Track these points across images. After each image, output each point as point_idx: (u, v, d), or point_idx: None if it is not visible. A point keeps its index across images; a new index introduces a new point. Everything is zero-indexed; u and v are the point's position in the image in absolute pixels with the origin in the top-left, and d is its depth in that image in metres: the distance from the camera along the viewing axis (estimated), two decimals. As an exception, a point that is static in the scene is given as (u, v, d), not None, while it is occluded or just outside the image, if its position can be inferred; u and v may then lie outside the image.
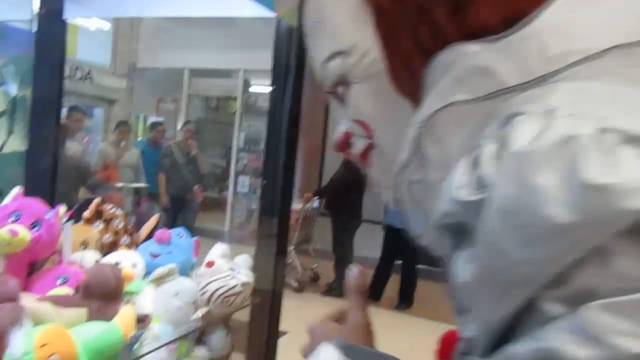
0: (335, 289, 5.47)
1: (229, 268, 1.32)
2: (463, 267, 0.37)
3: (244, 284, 1.27)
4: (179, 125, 8.14)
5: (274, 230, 1.50)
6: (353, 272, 0.61)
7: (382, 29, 0.50)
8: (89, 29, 6.95)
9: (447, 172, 0.40)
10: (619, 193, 0.30)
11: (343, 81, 0.53)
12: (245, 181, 7.71)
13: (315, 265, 6.02)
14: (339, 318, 0.62)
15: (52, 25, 1.83)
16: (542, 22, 0.40)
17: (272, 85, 1.54)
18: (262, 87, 8.24)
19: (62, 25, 1.88)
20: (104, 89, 7.85)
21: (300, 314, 1.73)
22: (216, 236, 6.47)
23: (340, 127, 0.57)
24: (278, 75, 1.59)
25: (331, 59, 0.52)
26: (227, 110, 8.71)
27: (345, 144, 0.57)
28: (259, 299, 1.37)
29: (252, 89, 8.33)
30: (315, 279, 5.94)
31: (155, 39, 8.16)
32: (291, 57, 1.53)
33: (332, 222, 5.65)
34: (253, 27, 6.38)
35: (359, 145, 0.55)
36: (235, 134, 7.98)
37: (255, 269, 1.43)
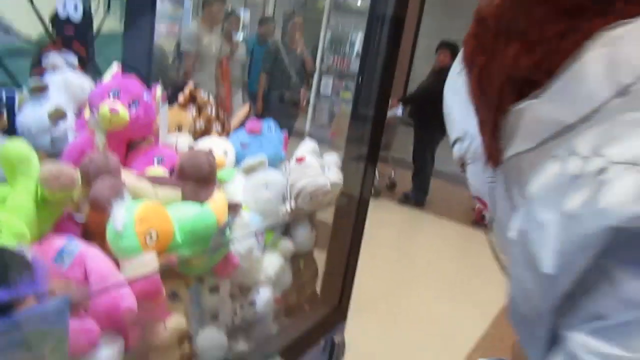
0: (411, 199, 5.43)
1: (319, 165, 1.28)
2: None
3: (333, 184, 1.24)
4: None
5: (366, 135, 1.43)
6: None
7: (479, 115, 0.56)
8: None
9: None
10: None
11: (463, 162, 0.63)
12: (328, 82, 7.56)
13: (393, 172, 5.97)
14: None
15: None
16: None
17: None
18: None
19: None
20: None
21: (374, 219, 1.69)
22: (296, 136, 6.52)
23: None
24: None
25: (455, 144, 0.63)
26: (315, 6, 8.38)
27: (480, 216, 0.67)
28: (345, 201, 1.33)
29: (342, -15, 7.89)
30: (392, 186, 5.91)
31: None
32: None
33: (415, 132, 5.48)
34: None
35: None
36: (322, 32, 7.72)
37: (344, 170, 1.38)
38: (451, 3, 6.50)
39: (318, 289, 1.56)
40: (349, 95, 7.31)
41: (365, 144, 1.47)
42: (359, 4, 7.76)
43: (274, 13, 8.10)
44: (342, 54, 7.76)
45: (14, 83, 1.46)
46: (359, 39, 7.75)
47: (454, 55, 5.28)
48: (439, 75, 5.35)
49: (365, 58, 1.52)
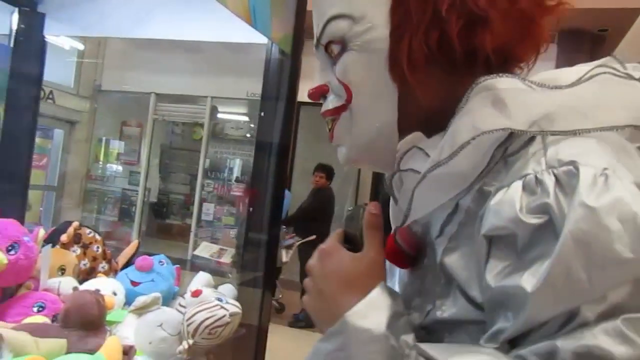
0: (302, 320, 5.37)
1: (216, 298, 1.27)
2: (522, 277, 0.45)
3: (232, 314, 1.22)
4: (144, 150, 7.97)
5: (260, 262, 1.46)
6: (370, 207, 0.60)
7: (396, 17, 0.56)
8: (53, 47, 6.77)
9: (455, 181, 0.53)
10: None
11: (340, 42, 0.59)
12: (210, 209, 7.55)
13: (281, 295, 5.91)
14: (351, 241, 0.61)
15: (30, 42, 1.77)
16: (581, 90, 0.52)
17: (261, 112, 1.52)
18: (229, 115, 8.20)
19: (41, 42, 1.83)
20: (66, 110, 7.62)
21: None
22: (179, 264, 6.26)
23: (318, 78, 0.62)
24: (268, 102, 1.57)
25: (338, 19, 0.58)
26: (192, 137, 8.58)
27: (319, 95, 0.63)
28: (244, 331, 1.31)
29: (219, 116, 8.26)
30: (280, 309, 5.82)
31: (121, 62, 8.02)
32: (282, 84, 1.52)
33: (299, 251, 5.59)
34: (221, 54, 6.38)
35: (332, 102, 0.62)
36: (201, 160, 7.86)
37: (240, 300, 1.38)
38: (322, 130, 7.08)
39: None
40: (232, 221, 7.33)
41: (260, 270, 1.50)
42: (235, 133, 8.12)
43: (150, 145, 8.13)
44: (222, 180, 7.89)
45: None
46: (237, 165, 8.00)
47: (329, 177, 5.68)
48: (318, 195, 5.66)
49: (254, 183, 1.60)
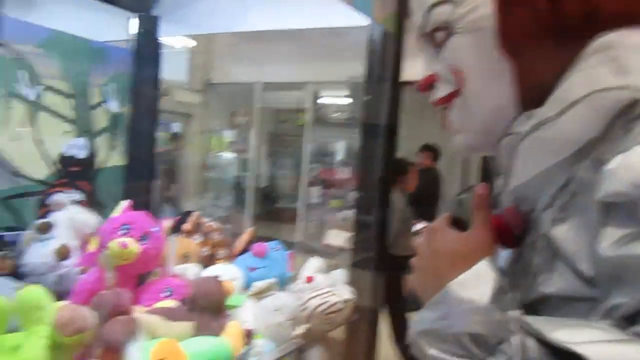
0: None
1: (329, 284, 1.28)
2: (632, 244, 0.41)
3: (345, 301, 1.23)
4: (252, 138, 8.34)
5: (371, 243, 1.45)
6: (478, 188, 0.58)
7: None
8: (167, 47, 7.29)
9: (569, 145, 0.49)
10: None
11: (445, 28, 0.57)
12: (316, 192, 7.72)
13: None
14: (459, 224, 0.59)
15: (148, 44, 1.90)
16: None
17: (366, 95, 1.51)
18: (331, 99, 8.26)
19: (157, 44, 1.95)
20: (181, 104, 8.18)
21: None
22: (288, 247, 6.49)
23: (426, 69, 0.61)
24: (372, 84, 1.55)
25: (440, 4, 0.56)
26: (296, 123, 8.79)
27: (429, 85, 0.61)
28: (358, 316, 1.32)
29: (320, 101, 8.37)
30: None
31: (228, 55, 8.42)
32: (386, 64, 1.48)
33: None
34: (322, 40, 6.42)
35: (442, 89, 0.60)
36: (306, 145, 8.04)
37: (351, 284, 1.38)
38: (426, 110, 6.90)
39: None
40: (338, 204, 7.43)
41: (372, 252, 1.49)
42: (337, 115, 8.18)
43: (258, 133, 8.48)
44: (327, 164, 8.01)
45: (21, 224, 1.48)
46: (341, 149, 8.07)
47: (435, 158, 5.51)
48: (423, 176, 5.51)
49: (361, 166, 1.59)
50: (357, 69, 1.74)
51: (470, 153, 0.65)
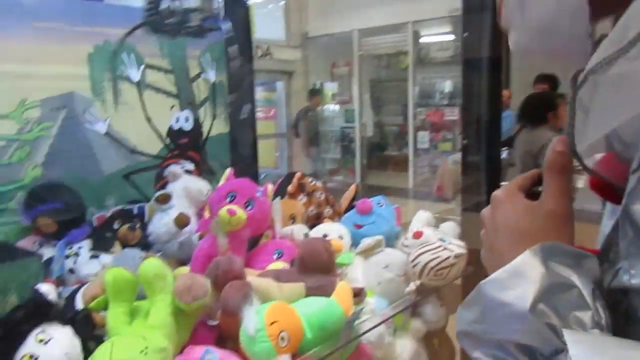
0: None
1: (439, 238, 1.23)
2: None
3: (457, 256, 1.17)
4: (354, 88, 8.26)
5: (482, 186, 1.36)
6: (554, 143, 0.46)
7: None
8: (262, 6, 7.35)
9: None
10: None
11: None
12: (424, 137, 7.50)
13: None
14: (532, 190, 0.50)
15: (236, 9, 1.90)
16: None
17: (466, 28, 1.37)
18: (433, 37, 7.84)
19: (245, 7, 1.94)
20: (282, 62, 8.29)
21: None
22: (399, 194, 6.46)
23: None
24: (470, 19, 1.40)
25: None
26: (398, 66, 8.52)
27: None
28: (472, 269, 1.25)
29: (422, 41, 7.98)
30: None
31: (322, 6, 8.30)
32: (485, -5, 1.33)
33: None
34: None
35: None
36: (410, 88, 7.77)
37: (465, 231, 1.32)
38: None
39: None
40: (448, 147, 7.17)
41: (484, 195, 1.41)
42: (441, 54, 7.76)
43: (360, 81, 8.35)
44: (433, 106, 7.72)
45: (143, 197, 1.60)
46: (447, 88, 7.69)
47: (554, 89, 5.01)
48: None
49: (467, 105, 1.48)
50: (456, 1, 1.60)
51: (523, 55, 0.53)
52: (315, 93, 7.88)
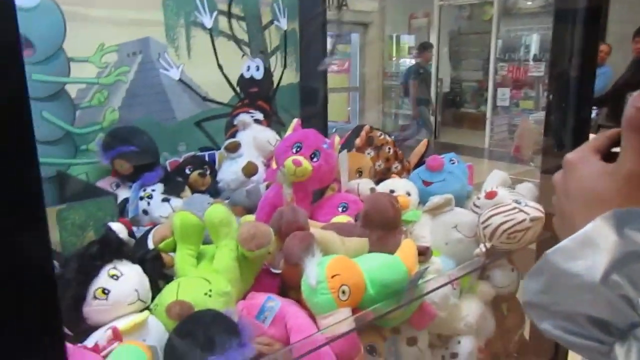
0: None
1: (514, 200, 1.15)
2: None
3: (533, 219, 1.09)
4: (433, 40, 7.88)
5: (567, 148, 1.25)
6: (635, 98, 0.41)
7: None
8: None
9: None
10: None
11: None
12: (505, 94, 7.09)
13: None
14: (610, 152, 0.46)
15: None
16: None
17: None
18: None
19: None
20: (359, 13, 8.04)
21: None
22: (474, 154, 6.21)
23: None
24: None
25: None
26: (481, 18, 8.02)
27: None
28: (549, 234, 1.17)
29: (510, -11, 7.42)
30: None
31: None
32: None
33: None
34: None
35: None
36: (493, 42, 7.32)
37: (544, 194, 1.23)
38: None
39: (527, 335, 1.39)
40: (530, 105, 6.75)
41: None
42: (530, 4, 7.19)
43: (438, 34, 7.96)
44: (517, 61, 7.24)
45: (213, 145, 1.63)
46: (534, 42, 7.16)
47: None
48: (638, 65, 4.61)
49: (556, 60, 1.35)
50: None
51: None
52: (425, 47, 7.33)
